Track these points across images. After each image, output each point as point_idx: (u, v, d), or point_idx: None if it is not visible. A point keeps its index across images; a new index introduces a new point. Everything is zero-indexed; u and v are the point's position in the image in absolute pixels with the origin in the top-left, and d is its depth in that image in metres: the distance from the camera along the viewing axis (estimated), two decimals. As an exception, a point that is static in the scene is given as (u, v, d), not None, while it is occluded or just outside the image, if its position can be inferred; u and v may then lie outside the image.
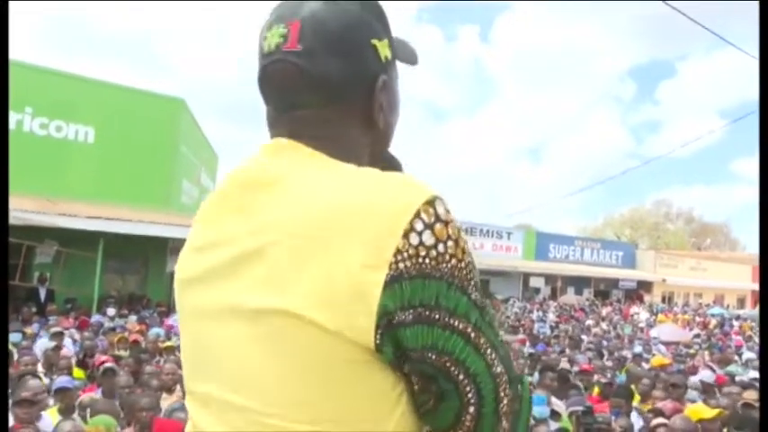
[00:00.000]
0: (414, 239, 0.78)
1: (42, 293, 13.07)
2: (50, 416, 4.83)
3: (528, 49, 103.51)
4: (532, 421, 5.42)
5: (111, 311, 12.06)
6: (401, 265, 0.77)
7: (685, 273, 39.04)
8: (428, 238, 0.78)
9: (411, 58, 1.09)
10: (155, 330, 10.15)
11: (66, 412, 4.94)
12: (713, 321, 23.96)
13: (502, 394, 0.84)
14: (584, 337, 15.87)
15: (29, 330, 9.03)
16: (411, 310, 0.78)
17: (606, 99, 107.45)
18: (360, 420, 0.81)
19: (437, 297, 0.79)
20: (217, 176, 25.57)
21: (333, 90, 0.93)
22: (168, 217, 14.96)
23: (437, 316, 0.79)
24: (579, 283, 35.48)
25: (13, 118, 14.18)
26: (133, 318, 11.93)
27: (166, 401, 5.49)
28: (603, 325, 20.85)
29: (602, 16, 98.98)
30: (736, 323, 24.23)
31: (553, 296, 32.98)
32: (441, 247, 0.79)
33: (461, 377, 0.82)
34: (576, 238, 39.38)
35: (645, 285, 37.42)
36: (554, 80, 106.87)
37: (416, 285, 0.77)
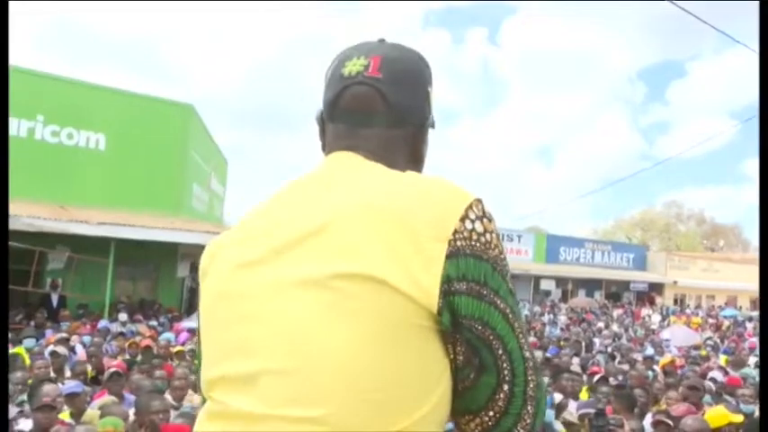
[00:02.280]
0: (468, 225, 0.89)
1: (54, 299, 13.14)
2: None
3: (536, 51, 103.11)
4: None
5: (123, 317, 12.13)
6: (458, 243, 0.87)
7: (697, 274, 38.81)
8: (479, 227, 0.90)
9: (433, 123, 1.22)
10: (165, 335, 10.27)
11: (77, 416, 4.99)
12: (726, 323, 23.79)
13: (530, 377, 0.93)
14: (595, 339, 15.83)
15: (52, 337, 9.04)
16: (465, 283, 0.87)
17: (616, 100, 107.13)
18: (415, 384, 0.86)
19: (485, 276, 0.89)
20: (226, 181, 25.68)
21: (400, 115, 1.08)
22: (178, 222, 15.05)
23: (485, 292, 0.89)
24: (590, 285, 35.35)
25: (24, 126, 14.34)
26: (153, 323, 12.09)
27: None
28: (615, 327, 20.78)
29: (610, 17, 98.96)
30: (749, 325, 24.06)
31: (564, 299, 32.89)
32: (488, 236, 0.91)
33: (500, 351, 0.91)
34: (586, 241, 39.26)
35: (656, 287, 37.24)
36: (563, 82, 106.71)
37: (470, 262, 0.88)
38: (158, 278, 16.52)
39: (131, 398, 5.61)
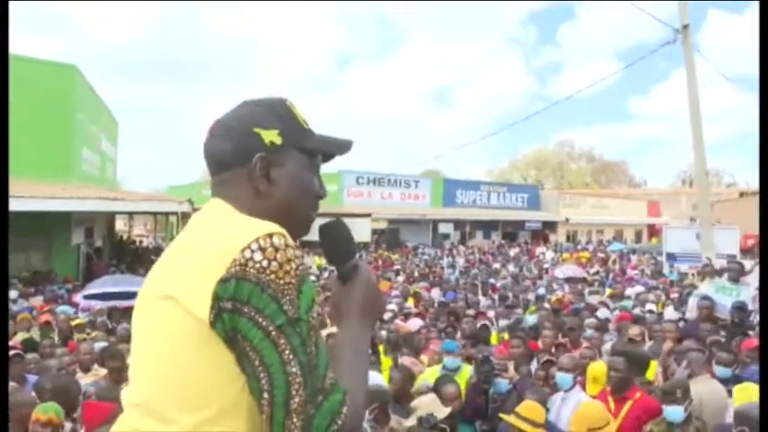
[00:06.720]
0: (247, 254, 1.08)
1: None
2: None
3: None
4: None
5: (12, 294, 11.44)
6: (233, 270, 1.08)
7: (587, 211, 40.87)
8: (258, 256, 1.09)
9: (335, 150, 1.43)
10: (62, 308, 9.94)
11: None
12: (612, 257, 25.30)
13: (293, 392, 1.06)
14: (492, 280, 16.61)
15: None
16: (231, 302, 1.07)
17: (509, 43, 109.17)
18: (207, 381, 1.10)
19: (249, 296, 1.07)
20: (117, 142, 24.79)
21: (219, 162, 1.33)
22: (70, 189, 14.53)
23: (246, 310, 1.07)
24: (487, 226, 36.63)
25: None
26: (39, 298, 11.67)
27: (83, 380, 5.57)
28: (511, 267, 21.79)
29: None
30: (633, 257, 25.70)
31: (462, 241, 33.95)
32: (265, 263, 1.08)
33: (257, 363, 1.07)
34: (482, 183, 40.44)
35: (550, 225, 39.01)
36: (457, 26, 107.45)
37: (240, 285, 1.07)
38: (52, 247, 16.02)
39: (32, 378, 5.57)
